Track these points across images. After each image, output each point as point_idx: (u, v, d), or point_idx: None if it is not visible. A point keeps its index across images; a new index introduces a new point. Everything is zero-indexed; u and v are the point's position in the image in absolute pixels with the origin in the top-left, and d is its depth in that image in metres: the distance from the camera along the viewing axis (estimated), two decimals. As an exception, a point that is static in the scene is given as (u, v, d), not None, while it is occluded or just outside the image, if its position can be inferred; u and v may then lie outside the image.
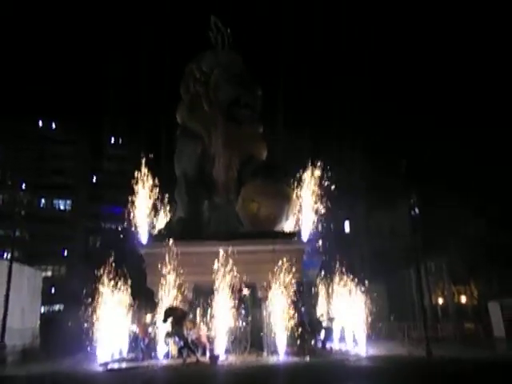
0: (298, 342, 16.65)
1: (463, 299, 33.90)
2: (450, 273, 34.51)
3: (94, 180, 60.87)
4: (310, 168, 19.96)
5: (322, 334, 17.78)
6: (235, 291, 16.40)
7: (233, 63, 22.58)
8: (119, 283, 16.96)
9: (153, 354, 16.18)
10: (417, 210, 23.10)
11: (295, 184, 20.23)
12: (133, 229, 18.86)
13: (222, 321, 16.03)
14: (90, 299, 16.66)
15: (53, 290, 40.44)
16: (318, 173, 19.93)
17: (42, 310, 26.86)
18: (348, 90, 52.57)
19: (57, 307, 39.86)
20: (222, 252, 16.74)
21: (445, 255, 33.89)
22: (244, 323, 17.49)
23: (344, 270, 21.38)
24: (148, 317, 17.10)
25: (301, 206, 20.03)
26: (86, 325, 16.30)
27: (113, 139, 62.12)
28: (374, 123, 47.74)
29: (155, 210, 20.42)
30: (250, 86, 22.15)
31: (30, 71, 75.50)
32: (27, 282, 21.78)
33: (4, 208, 47.06)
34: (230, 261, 16.55)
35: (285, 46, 60.76)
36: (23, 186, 27.74)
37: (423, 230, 27.49)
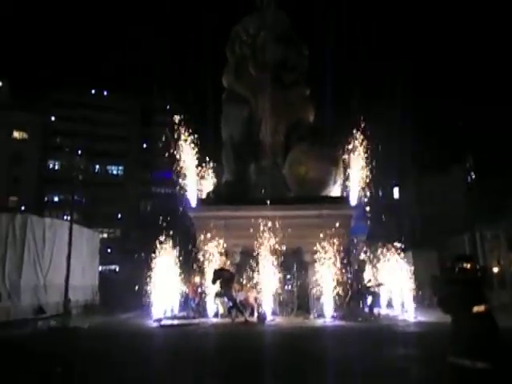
0: (345, 306, 16.71)
1: (521, 268, 32.35)
2: (507, 240, 32.89)
3: (145, 146, 62.79)
4: (359, 131, 19.32)
5: (370, 299, 17.69)
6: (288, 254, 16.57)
7: (279, 24, 21.85)
8: (170, 245, 17.60)
9: (203, 313, 16.84)
10: (472, 175, 21.92)
11: (343, 147, 19.74)
12: (182, 193, 19.31)
13: (268, 284, 16.34)
14: (143, 260, 17.47)
15: (109, 251, 42.79)
16: (366, 136, 19.28)
17: (100, 269, 28.52)
18: (400, 47, 49.70)
19: (113, 267, 42.31)
20: (269, 216, 16.85)
21: (502, 221, 32.25)
22: (290, 287, 17.72)
23: (393, 235, 20.95)
24: (197, 278, 17.67)
25: (349, 170, 19.60)
26: (140, 283, 17.22)
27: (161, 106, 63.27)
28: (428, 82, 45.23)
29: (203, 173, 20.75)
30: (297, 46, 21.44)
31: (82, 43, 77.36)
32: (86, 242, 22.99)
33: (62, 173, 49.85)
34: (277, 225, 16.67)
35: (333, 4, 58.01)
36: (79, 153, 29.06)
37: (478, 195, 26.22)
